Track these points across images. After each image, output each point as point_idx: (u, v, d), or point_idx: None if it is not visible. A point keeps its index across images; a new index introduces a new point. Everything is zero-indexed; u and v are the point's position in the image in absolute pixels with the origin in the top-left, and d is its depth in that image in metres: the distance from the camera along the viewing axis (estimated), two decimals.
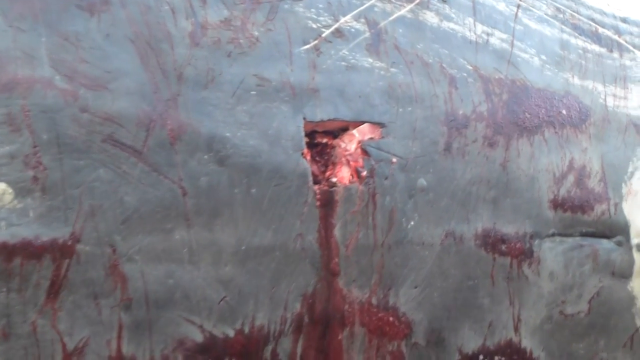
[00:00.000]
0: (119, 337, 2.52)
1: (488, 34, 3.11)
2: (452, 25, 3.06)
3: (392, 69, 2.84)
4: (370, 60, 2.82)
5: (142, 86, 2.54)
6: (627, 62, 3.39)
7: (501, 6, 3.19)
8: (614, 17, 3.45)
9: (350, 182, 2.75)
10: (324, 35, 2.78)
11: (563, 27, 3.27)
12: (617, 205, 3.36)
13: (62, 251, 2.44)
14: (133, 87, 2.52)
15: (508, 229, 3.05)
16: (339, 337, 2.85)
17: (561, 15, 3.23)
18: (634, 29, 3.57)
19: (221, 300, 2.63)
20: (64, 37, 2.50)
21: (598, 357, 3.50)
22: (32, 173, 2.42)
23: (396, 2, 2.99)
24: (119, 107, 2.49)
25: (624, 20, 3.48)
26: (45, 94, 2.43)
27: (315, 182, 2.74)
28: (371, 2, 2.89)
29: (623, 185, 3.36)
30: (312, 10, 2.82)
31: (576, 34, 3.27)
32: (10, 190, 2.45)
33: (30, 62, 2.45)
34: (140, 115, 2.51)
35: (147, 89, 2.54)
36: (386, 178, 2.81)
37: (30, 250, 2.41)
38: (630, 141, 3.45)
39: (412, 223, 2.86)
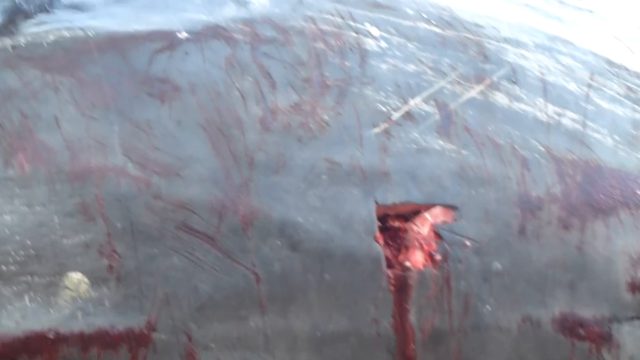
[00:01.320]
0: None
1: (559, 115, 3.07)
2: (522, 106, 3.03)
3: (463, 151, 2.84)
4: (441, 142, 2.82)
5: (214, 172, 2.58)
6: None
7: (572, 86, 3.15)
8: None
9: (424, 266, 2.73)
10: (393, 118, 2.79)
11: (635, 106, 3.27)
12: None
13: (138, 340, 2.45)
14: (205, 173, 2.56)
15: (586, 312, 2.99)
16: None
17: (633, 95, 3.23)
18: None
19: None
20: (135, 125, 2.53)
21: None
22: (107, 262, 2.44)
23: (466, 84, 3.00)
24: (191, 194, 2.52)
25: None
26: (118, 182, 2.47)
27: (389, 266, 2.71)
28: (440, 84, 2.91)
29: None
30: (381, 93, 2.84)
31: None
32: (85, 280, 2.48)
33: (103, 150, 2.48)
34: (212, 201, 2.54)
35: (219, 175, 2.57)
36: (460, 262, 2.79)
37: (106, 340, 2.43)
38: None
39: (488, 307, 2.83)
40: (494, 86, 3.01)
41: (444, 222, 2.78)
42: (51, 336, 2.42)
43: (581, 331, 2.97)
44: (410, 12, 3.12)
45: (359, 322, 2.71)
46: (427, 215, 2.76)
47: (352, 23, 2.95)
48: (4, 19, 2.66)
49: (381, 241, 2.71)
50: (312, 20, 2.92)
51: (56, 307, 2.46)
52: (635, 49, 3.44)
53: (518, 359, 2.93)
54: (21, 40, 2.60)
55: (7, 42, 2.59)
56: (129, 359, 2.49)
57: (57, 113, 2.53)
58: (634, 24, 3.66)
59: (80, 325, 2.44)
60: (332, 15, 2.96)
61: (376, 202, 2.71)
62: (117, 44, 2.66)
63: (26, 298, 2.44)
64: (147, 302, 2.50)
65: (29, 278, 2.44)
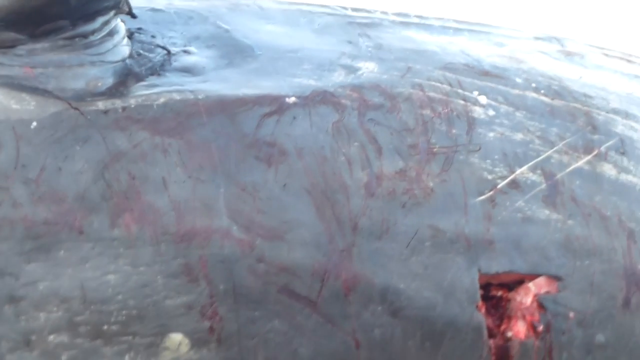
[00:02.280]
0: None
1: None
2: (630, 177, 3.02)
3: (569, 221, 2.84)
4: (547, 212, 2.83)
5: (317, 236, 2.60)
6: None
7: None
8: None
9: (526, 336, 2.73)
10: (499, 186, 2.81)
11: None
12: None
13: None
14: (309, 237, 2.58)
15: None
16: None
17: None
18: None
19: None
20: (241, 188, 2.58)
21: None
22: (208, 324, 2.48)
23: (573, 154, 2.98)
24: (294, 258, 2.55)
25: None
26: (222, 244, 2.51)
27: (490, 335, 2.72)
28: (548, 153, 2.91)
29: None
30: (488, 161, 2.86)
31: None
32: (186, 341, 2.52)
33: (208, 212, 2.54)
34: (315, 265, 2.56)
35: (323, 240, 2.59)
36: (563, 333, 2.78)
37: None
38: None
39: None
40: (602, 157, 3.01)
41: (548, 293, 2.78)
42: None
43: None
44: (519, 80, 3.15)
45: None
46: (530, 285, 2.77)
47: (460, 91, 2.97)
48: (115, 80, 2.71)
49: (483, 310, 2.73)
50: (420, 87, 2.95)
51: None
52: None
53: None
54: (131, 102, 2.64)
55: (118, 103, 2.63)
56: None
57: (165, 175, 2.57)
58: None
59: None
60: (441, 82, 2.98)
61: (479, 271, 2.73)
62: (226, 108, 2.70)
63: (126, 358, 2.48)
64: None
65: (130, 338, 2.48)
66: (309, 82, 2.86)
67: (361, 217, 2.67)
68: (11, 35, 2.64)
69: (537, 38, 3.62)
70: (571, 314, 2.80)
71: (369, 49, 3.11)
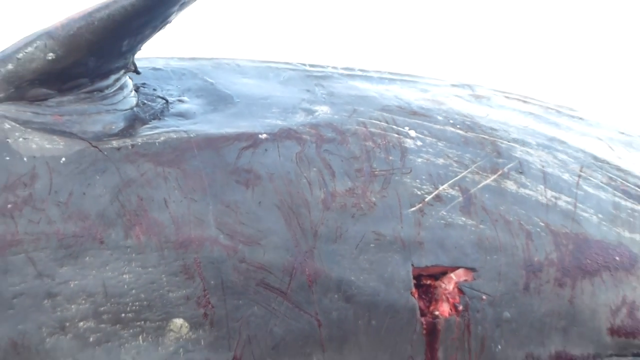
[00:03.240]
0: None
1: (556, 198, 3.22)
2: (527, 191, 3.18)
3: (481, 226, 3.00)
4: (464, 219, 2.98)
5: (286, 242, 2.74)
6: None
7: (565, 176, 3.31)
8: None
9: (450, 314, 2.88)
10: (426, 200, 2.95)
11: (615, 192, 3.40)
12: None
13: None
14: (279, 242, 2.72)
15: (575, 351, 3.10)
16: None
17: (613, 183, 3.34)
18: None
19: None
20: (226, 205, 2.70)
21: None
22: (203, 310, 2.59)
23: (483, 173, 3.15)
24: (268, 258, 2.68)
25: None
26: (212, 249, 2.63)
27: (422, 315, 2.87)
28: (463, 174, 3.08)
29: None
30: (417, 180, 3.02)
31: (625, 198, 3.43)
32: (186, 324, 2.61)
33: (200, 225, 2.66)
34: (285, 264, 2.70)
35: (290, 244, 2.72)
36: (478, 311, 2.92)
37: None
38: None
39: (499, 347, 2.95)
40: (505, 176, 3.18)
41: (466, 281, 2.94)
42: None
43: None
44: (439, 118, 3.31)
45: (400, 356, 2.88)
46: (452, 275, 2.92)
47: (394, 127, 3.11)
48: (125, 124, 2.82)
49: (416, 295, 2.87)
50: (364, 124, 3.10)
51: (163, 345, 2.61)
52: (614, 147, 3.58)
53: None
54: (138, 140, 2.75)
55: (128, 142, 2.74)
56: None
57: (165, 196, 2.70)
58: (613, 128, 3.81)
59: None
60: (379, 120, 3.14)
61: (412, 265, 2.88)
62: (212, 143, 2.82)
63: (140, 338, 2.59)
64: (233, 342, 2.65)
65: (143, 323, 2.58)
66: (277, 122, 3.02)
67: (320, 226, 2.81)
68: (43, 91, 2.74)
69: (453, 85, 3.77)
70: (484, 297, 2.95)
71: (323, 95, 3.26)
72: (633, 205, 3.40)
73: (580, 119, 3.77)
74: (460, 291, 2.97)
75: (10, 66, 2.75)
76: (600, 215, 3.31)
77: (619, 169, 3.51)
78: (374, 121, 3.17)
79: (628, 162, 3.55)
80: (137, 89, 3.01)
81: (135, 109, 2.96)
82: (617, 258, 3.24)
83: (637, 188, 3.48)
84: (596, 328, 3.17)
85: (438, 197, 3.05)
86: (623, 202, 3.38)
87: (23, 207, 2.64)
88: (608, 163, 3.49)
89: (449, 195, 3.08)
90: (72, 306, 2.62)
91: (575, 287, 3.14)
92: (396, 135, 3.14)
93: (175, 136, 2.88)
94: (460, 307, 2.96)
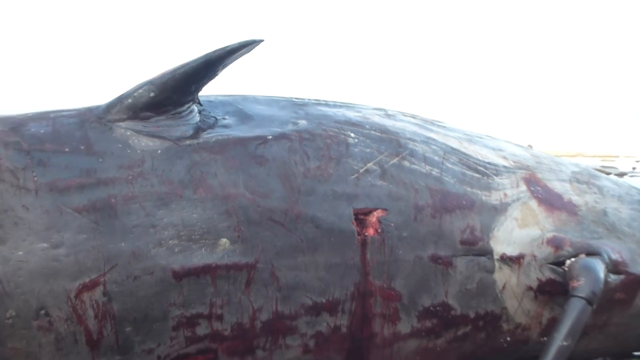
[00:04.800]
0: None
1: (430, 170, 3.36)
2: (415, 166, 3.33)
3: (390, 186, 3.19)
4: (380, 182, 3.17)
5: (283, 195, 2.98)
6: None
7: (436, 158, 3.42)
8: None
9: (373, 234, 3.08)
10: (360, 171, 3.15)
11: (462, 167, 3.50)
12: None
13: None
14: (279, 196, 2.96)
15: (442, 253, 3.25)
16: None
17: (461, 162, 3.50)
18: None
19: None
20: (249, 175, 2.96)
21: None
22: (237, 234, 2.85)
23: (391, 157, 3.26)
24: (273, 205, 2.95)
25: None
26: (242, 200, 2.88)
27: (358, 234, 3.03)
28: (380, 157, 3.19)
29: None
30: (355, 161, 3.18)
31: (468, 169, 3.54)
32: (228, 242, 2.79)
33: (235, 187, 2.91)
34: (282, 208, 2.95)
35: (285, 197, 2.98)
36: (388, 232, 3.10)
37: None
38: None
39: (400, 251, 3.13)
40: (403, 158, 3.32)
41: (382, 216, 3.11)
42: None
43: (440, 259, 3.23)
44: (367, 126, 3.40)
45: (346, 257, 3.03)
46: (374, 213, 3.11)
47: (342, 132, 3.27)
48: (193, 132, 3.01)
49: (355, 224, 3.07)
50: (325, 130, 3.24)
51: (216, 253, 2.81)
52: (462, 142, 3.66)
53: (415, 275, 3.16)
54: (200, 140, 3.00)
55: (194, 141, 2.97)
56: None
57: (215, 171, 2.92)
58: (461, 131, 3.82)
59: None
60: (333, 128, 3.26)
61: (353, 208, 3.08)
62: (241, 141, 3.04)
63: (203, 249, 2.80)
64: (255, 251, 2.86)
65: (204, 241, 2.80)
66: (277, 130, 3.14)
67: (302, 186, 3.02)
68: (148, 114, 2.97)
69: (374, 108, 3.68)
70: (392, 224, 3.13)
71: (302, 115, 3.31)
72: (472, 173, 3.49)
73: (444, 126, 3.76)
74: (379, 221, 3.13)
75: (130, 100, 2.98)
76: (454, 179, 3.41)
77: (464, 154, 3.58)
78: (331, 129, 3.28)
79: (469, 150, 3.62)
80: (199, 112, 3.11)
81: (198, 123, 3.07)
82: (464, 202, 3.38)
83: (475, 164, 3.55)
84: (452, 241, 3.27)
85: (367, 171, 3.21)
86: (468, 172, 3.49)
87: (137, 178, 2.83)
88: (458, 150, 3.56)
89: (373, 169, 3.23)
90: (165, 232, 2.79)
91: (442, 218, 3.28)
92: (343, 136, 3.27)
93: (220, 138, 3.05)
94: (379, 230, 3.12)
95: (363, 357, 3.12)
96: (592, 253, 3.49)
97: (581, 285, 3.32)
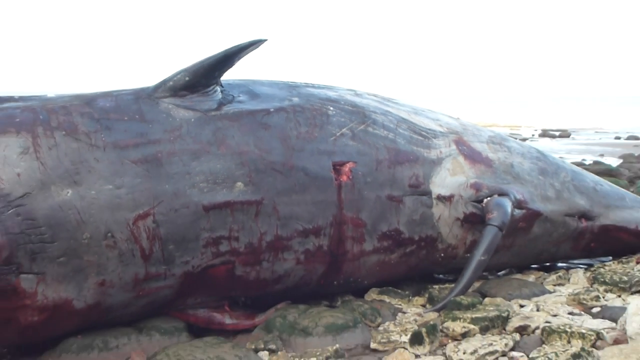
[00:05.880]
0: None
1: (387, 133, 3.35)
2: (377, 132, 3.33)
3: (360, 145, 3.20)
4: (352, 142, 3.18)
5: (282, 152, 2.98)
6: None
7: (391, 126, 3.40)
8: None
9: (346, 180, 3.08)
10: (337, 134, 3.14)
11: (410, 132, 3.48)
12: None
13: None
14: (279, 151, 2.96)
15: (396, 193, 3.25)
16: None
17: (410, 128, 3.46)
18: None
19: None
20: (257, 137, 2.96)
21: None
22: (248, 179, 2.87)
23: (359, 124, 3.24)
24: (274, 158, 2.95)
25: None
26: (253, 155, 2.90)
27: (335, 180, 3.04)
28: (351, 124, 3.19)
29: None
30: (333, 127, 3.18)
31: (414, 133, 3.49)
32: (242, 184, 2.80)
33: (247, 145, 2.93)
34: (281, 160, 2.96)
35: (284, 153, 2.98)
36: (357, 178, 3.12)
37: None
38: None
39: (365, 192, 3.14)
40: (368, 125, 3.30)
41: (353, 166, 3.13)
42: None
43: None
44: (342, 102, 3.37)
45: (327, 196, 3.07)
46: (347, 164, 3.12)
47: (324, 106, 3.25)
48: (216, 105, 3.00)
49: (333, 172, 3.10)
50: (312, 104, 3.21)
51: (233, 191, 2.84)
52: (410, 114, 3.63)
53: (376, 209, 3.19)
54: (222, 112, 3.00)
55: (218, 112, 2.98)
56: None
57: (233, 134, 2.94)
58: (409, 106, 3.79)
59: None
60: (318, 104, 3.24)
61: (332, 161, 3.11)
62: (251, 113, 3.03)
63: (224, 190, 2.83)
64: (262, 190, 2.91)
65: (225, 183, 2.83)
66: (277, 104, 3.15)
67: (296, 145, 3.05)
68: (184, 92, 3.00)
69: (347, 89, 3.60)
70: (360, 173, 3.16)
71: (296, 94, 3.28)
72: (417, 137, 3.54)
73: (397, 102, 3.75)
74: (350, 171, 3.17)
75: (171, 83, 3.04)
76: (404, 141, 3.45)
77: (412, 122, 3.60)
78: (316, 104, 3.30)
79: (415, 120, 3.63)
80: (221, 91, 3.15)
81: (220, 99, 3.10)
82: (411, 157, 3.43)
83: (419, 130, 3.57)
84: (402, 185, 3.33)
85: (342, 134, 3.26)
86: (414, 136, 3.53)
87: (177, 138, 2.89)
88: (407, 120, 3.59)
89: (346, 133, 3.27)
90: (197, 177, 2.85)
91: (395, 168, 3.33)
92: (324, 109, 3.30)
93: (236, 110, 3.10)
94: (351, 177, 3.17)
95: (339, 267, 3.26)
96: (502, 194, 3.64)
97: (494, 217, 3.48)
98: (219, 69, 3.08)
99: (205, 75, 3.05)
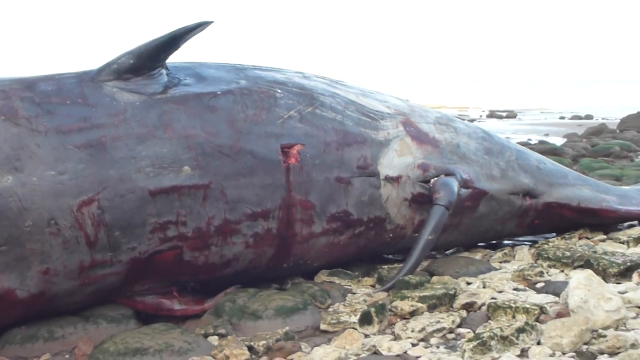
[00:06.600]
0: None
1: (335, 115, 3.35)
2: (325, 114, 3.32)
3: (307, 127, 3.19)
4: (299, 124, 3.18)
5: (230, 134, 2.96)
6: None
7: (339, 107, 3.39)
8: None
9: (294, 162, 3.08)
10: (285, 117, 3.14)
11: (358, 113, 3.47)
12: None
13: None
14: (227, 134, 2.94)
15: (344, 175, 3.27)
16: None
17: (358, 110, 3.47)
18: None
19: None
20: (203, 120, 2.94)
21: None
22: (195, 163, 2.84)
23: (307, 106, 3.23)
24: (222, 141, 2.93)
25: None
26: (199, 137, 2.87)
27: (284, 162, 3.05)
28: (299, 107, 3.18)
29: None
30: (281, 109, 3.17)
31: (362, 115, 3.51)
32: (189, 169, 2.76)
33: (193, 128, 2.90)
34: (228, 143, 2.94)
35: (231, 135, 2.95)
36: (305, 161, 3.13)
37: None
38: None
39: (314, 174, 3.14)
40: (315, 107, 3.29)
41: (300, 149, 3.13)
42: None
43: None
44: (289, 85, 3.35)
45: (275, 179, 3.06)
46: (295, 147, 3.12)
47: (271, 89, 3.22)
48: (162, 89, 2.97)
49: (281, 155, 3.09)
50: (259, 87, 3.18)
51: (180, 176, 2.81)
52: (358, 96, 3.63)
53: (324, 191, 3.20)
54: (168, 95, 2.95)
55: (163, 95, 2.94)
56: None
57: (180, 117, 2.90)
58: (357, 88, 3.79)
59: None
60: (265, 86, 3.22)
61: (280, 143, 3.10)
62: (197, 96, 3.00)
63: (172, 173, 2.80)
64: (209, 173, 2.87)
65: (171, 168, 2.80)
66: (224, 87, 3.11)
67: (244, 128, 3.03)
68: (128, 75, 2.95)
69: (295, 71, 3.59)
70: (308, 155, 3.15)
71: (242, 76, 3.24)
72: (365, 118, 3.53)
73: (345, 85, 3.75)
74: (299, 153, 3.17)
75: (115, 65, 2.99)
76: (352, 123, 3.44)
77: (360, 104, 3.60)
78: (263, 86, 3.28)
79: (363, 102, 3.63)
80: (167, 74, 3.11)
81: (166, 82, 3.06)
82: (359, 139, 3.43)
83: (367, 112, 3.57)
84: (351, 166, 3.32)
85: (289, 117, 3.23)
86: (362, 117, 3.52)
87: (122, 122, 2.83)
88: (355, 102, 3.59)
89: (294, 115, 3.25)
90: (143, 162, 2.79)
91: (343, 150, 3.33)
92: (272, 92, 3.27)
93: (183, 93, 3.05)
94: (299, 159, 3.16)
95: (288, 250, 3.25)
96: (449, 174, 3.66)
97: (441, 196, 3.51)
98: (164, 51, 3.03)
99: (151, 58, 3.00)
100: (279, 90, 3.30)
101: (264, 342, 2.67)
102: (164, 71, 3.09)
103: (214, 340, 2.76)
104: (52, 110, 2.74)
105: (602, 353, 2.42)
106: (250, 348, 2.65)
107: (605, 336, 2.48)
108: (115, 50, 2.92)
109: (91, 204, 2.68)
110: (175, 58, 3.17)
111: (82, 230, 2.67)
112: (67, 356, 2.66)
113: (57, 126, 2.71)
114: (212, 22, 3.09)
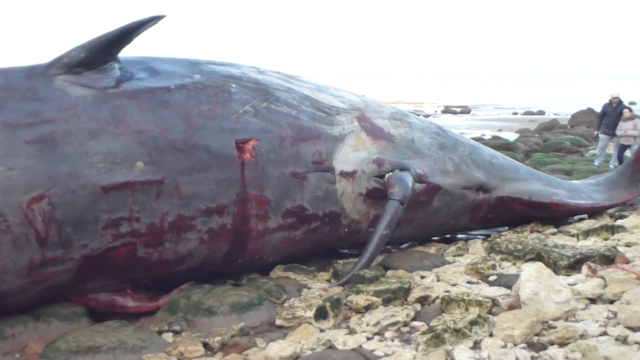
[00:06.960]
0: None
1: (290, 110, 3.36)
2: (280, 109, 3.31)
3: (262, 122, 3.18)
4: (254, 120, 3.17)
5: (184, 129, 2.93)
6: None
7: (294, 102, 3.41)
8: None
9: (249, 157, 3.06)
10: (240, 112, 3.12)
11: (313, 109, 3.48)
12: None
13: None
14: (181, 129, 2.90)
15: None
16: None
17: (313, 105, 3.48)
18: None
19: None
20: (156, 116, 2.91)
21: None
22: (148, 159, 2.78)
23: (261, 101, 3.23)
24: (176, 136, 2.89)
25: None
26: (154, 131, 2.83)
27: (239, 158, 3.01)
28: (253, 102, 3.18)
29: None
30: (235, 103, 3.14)
31: (317, 110, 3.53)
32: (142, 164, 2.73)
33: (147, 123, 2.85)
34: (183, 138, 2.89)
35: (186, 130, 2.92)
36: (260, 156, 3.11)
37: None
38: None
39: (269, 170, 3.14)
40: (270, 102, 3.29)
41: (255, 143, 3.11)
42: None
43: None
44: (244, 79, 3.32)
45: (230, 174, 3.03)
46: (250, 142, 3.09)
47: (226, 83, 3.20)
48: (114, 83, 2.92)
49: (236, 150, 3.07)
50: (214, 82, 3.16)
51: (133, 171, 2.77)
52: (313, 91, 3.63)
53: (280, 186, 3.18)
54: (120, 89, 2.91)
55: (115, 90, 2.90)
56: None
57: (133, 112, 2.84)
58: (314, 84, 3.79)
59: None
60: (220, 81, 3.19)
61: (235, 139, 3.07)
62: (151, 90, 2.97)
63: (124, 170, 2.76)
64: (163, 167, 2.85)
65: (124, 164, 2.76)
66: (178, 82, 3.09)
67: (198, 123, 2.99)
68: (80, 69, 2.90)
69: (250, 66, 3.56)
70: (263, 150, 3.14)
71: (197, 71, 3.20)
72: (320, 113, 3.54)
73: (300, 80, 3.74)
74: (254, 148, 3.15)
75: (66, 59, 2.93)
76: (307, 118, 3.45)
77: (315, 99, 3.61)
78: (218, 81, 3.25)
79: (318, 97, 3.64)
80: (119, 68, 3.06)
81: (118, 76, 3.01)
82: (314, 134, 3.44)
83: (322, 107, 3.58)
84: (306, 161, 3.33)
85: (244, 112, 3.22)
86: (317, 112, 3.53)
87: (73, 117, 2.78)
88: (310, 97, 3.59)
89: (249, 110, 3.23)
90: (94, 157, 2.74)
91: (298, 145, 3.33)
92: (227, 86, 3.25)
93: (135, 87, 3.01)
94: (254, 154, 3.15)
95: (244, 246, 3.24)
96: (403, 169, 3.70)
97: (396, 191, 3.53)
98: (116, 45, 2.99)
99: (102, 52, 2.96)
100: (233, 85, 3.28)
101: (219, 338, 2.66)
102: (116, 65, 3.04)
103: (168, 337, 2.74)
104: (1, 105, 2.68)
105: (552, 344, 2.47)
106: (205, 344, 2.64)
107: (555, 327, 2.53)
108: (67, 44, 2.84)
109: (41, 200, 2.62)
110: (128, 52, 3.13)
111: (33, 227, 2.61)
112: (17, 355, 2.61)
113: (6, 121, 2.64)
114: (165, 15, 3.06)
